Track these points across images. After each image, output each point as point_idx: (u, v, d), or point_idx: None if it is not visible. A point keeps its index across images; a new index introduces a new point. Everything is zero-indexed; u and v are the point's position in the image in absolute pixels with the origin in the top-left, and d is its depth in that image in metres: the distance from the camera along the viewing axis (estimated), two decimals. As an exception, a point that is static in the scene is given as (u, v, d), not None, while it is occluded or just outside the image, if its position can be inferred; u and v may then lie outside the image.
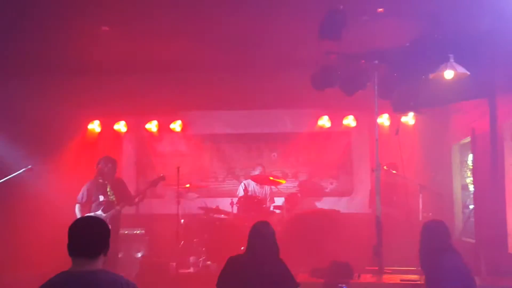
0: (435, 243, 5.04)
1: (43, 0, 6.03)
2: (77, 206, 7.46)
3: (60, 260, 7.57)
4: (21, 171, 7.19)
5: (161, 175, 7.83)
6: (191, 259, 8.01)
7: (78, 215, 7.38)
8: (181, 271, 7.68)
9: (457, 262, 4.92)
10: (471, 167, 8.11)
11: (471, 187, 8.18)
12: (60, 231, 7.91)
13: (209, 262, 7.90)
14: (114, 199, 7.44)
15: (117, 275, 3.04)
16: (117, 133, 9.75)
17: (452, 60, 5.30)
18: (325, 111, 9.35)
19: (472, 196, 8.10)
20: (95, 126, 9.61)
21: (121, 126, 9.68)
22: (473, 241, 7.43)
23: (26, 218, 8.14)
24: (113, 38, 7.29)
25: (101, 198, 7.44)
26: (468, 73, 5.44)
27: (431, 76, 5.54)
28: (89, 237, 3.04)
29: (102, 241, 3.06)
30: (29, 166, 7.27)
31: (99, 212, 7.34)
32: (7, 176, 7.15)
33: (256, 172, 9.04)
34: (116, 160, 7.78)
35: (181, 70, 8.39)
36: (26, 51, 7.61)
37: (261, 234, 4.63)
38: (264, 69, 8.20)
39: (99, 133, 9.67)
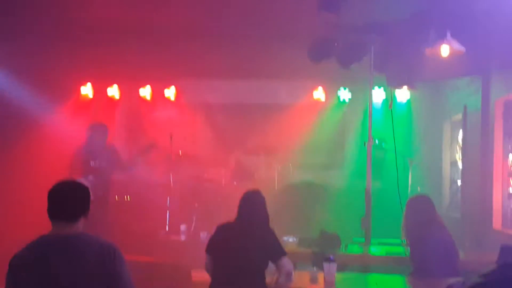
0: (420, 217, 5.12)
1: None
2: (70, 172, 7.48)
3: (45, 221, 7.66)
4: None
5: (153, 142, 7.82)
6: (182, 226, 8.08)
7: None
8: (172, 238, 7.76)
9: (442, 235, 5.01)
10: (461, 143, 8.17)
11: (460, 164, 8.26)
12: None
13: (200, 230, 7.97)
14: (104, 165, 7.46)
15: (99, 238, 3.05)
16: (110, 98, 9.70)
17: (448, 36, 5.31)
18: (320, 83, 9.35)
19: (460, 172, 8.19)
20: (88, 89, 9.53)
21: (114, 91, 9.62)
22: (459, 216, 7.54)
23: (16, 182, 8.16)
24: (106, 0, 7.23)
25: (92, 163, 7.44)
26: (464, 49, 5.46)
27: (427, 51, 5.55)
28: (68, 200, 3.04)
29: (81, 204, 3.07)
30: None
31: (90, 178, 7.35)
32: None
33: (249, 143, 9.07)
34: (107, 125, 7.75)
35: (178, 37, 8.33)
36: (17, 12, 7.50)
37: (251, 202, 4.68)
38: (261, 39, 8.15)
39: (92, 97, 9.60)
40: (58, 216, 3.00)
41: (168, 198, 8.26)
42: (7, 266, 2.94)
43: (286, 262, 4.50)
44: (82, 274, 2.90)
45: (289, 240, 6.20)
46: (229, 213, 4.79)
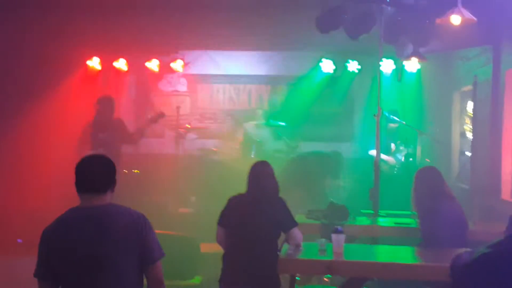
0: (429, 189, 5.13)
1: None
2: (78, 145, 7.53)
3: (57, 193, 7.72)
4: None
5: (161, 112, 7.84)
6: (192, 199, 8.11)
7: (80, 153, 7.46)
8: (181, 210, 7.79)
9: (452, 206, 5.02)
10: (471, 114, 8.13)
11: (469, 135, 8.23)
12: (58, 168, 8.04)
13: (208, 202, 8.01)
14: (112, 136, 7.50)
15: (127, 208, 3.12)
16: (118, 71, 9.68)
17: (459, 5, 5.23)
18: (328, 54, 9.28)
19: (469, 143, 8.17)
20: (95, 63, 9.51)
21: (121, 64, 9.59)
22: (468, 187, 7.54)
23: (25, 153, 8.19)
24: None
25: (101, 136, 7.49)
26: (475, 19, 5.38)
27: (438, 21, 5.48)
28: (97, 173, 3.10)
29: (109, 177, 3.14)
30: None
31: (100, 150, 7.40)
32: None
33: (257, 117, 9.05)
34: (114, 99, 7.77)
35: (184, 9, 8.24)
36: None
37: (261, 173, 4.71)
38: (268, 10, 8.06)
39: (99, 70, 9.58)
40: (88, 189, 3.05)
41: (176, 171, 8.28)
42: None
43: (296, 232, 4.55)
44: (115, 241, 2.96)
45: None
46: (238, 185, 4.82)
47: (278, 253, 4.48)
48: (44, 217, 7.53)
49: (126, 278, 2.98)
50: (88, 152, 7.50)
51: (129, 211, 3.10)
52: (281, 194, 4.73)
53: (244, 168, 4.83)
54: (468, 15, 5.38)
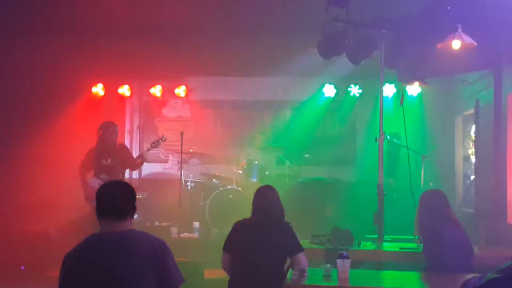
0: (433, 213, 5.09)
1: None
2: (80, 171, 7.54)
3: (60, 219, 7.66)
4: None
5: (162, 136, 7.86)
6: (195, 224, 8.09)
7: (83, 180, 7.47)
8: (184, 235, 7.76)
9: (456, 231, 4.98)
10: (474, 138, 8.13)
11: (473, 158, 8.21)
12: (62, 194, 7.99)
13: (213, 228, 7.97)
14: (116, 163, 7.51)
15: (149, 234, 3.13)
16: (121, 97, 9.73)
17: (459, 30, 5.27)
18: (330, 79, 9.33)
19: (473, 167, 8.14)
20: (98, 89, 9.57)
21: (125, 90, 9.65)
22: (473, 211, 7.50)
23: (28, 179, 8.18)
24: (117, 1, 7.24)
25: (104, 162, 7.51)
26: (475, 43, 5.41)
27: (438, 45, 5.51)
28: (119, 199, 3.11)
29: (131, 203, 3.14)
30: None
31: (103, 176, 7.41)
32: None
33: (259, 141, 9.06)
34: (116, 124, 7.79)
35: (187, 35, 8.32)
36: (31, 10, 7.53)
37: (266, 197, 4.69)
38: (271, 35, 8.13)
39: (103, 97, 9.63)
40: (110, 215, 3.07)
41: (180, 196, 8.26)
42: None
43: (302, 258, 4.53)
44: (137, 268, 2.96)
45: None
46: (242, 210, 4.79)
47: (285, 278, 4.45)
48: (47, 243, 7.54)
49: None
50: (91, 177, 7.53)
51: (150, 237, 3.11)
52: (286, 219, 4.72)
53: (248, 193, 4.83)
54: (468, 39, 5.41)
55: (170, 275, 3.06)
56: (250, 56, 8.59)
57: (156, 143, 7.75)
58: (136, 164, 7.83)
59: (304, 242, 5.65)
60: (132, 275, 2.94)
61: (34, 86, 8.46)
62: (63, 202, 7.84)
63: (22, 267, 7.03)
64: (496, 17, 5.81)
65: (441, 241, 4.91)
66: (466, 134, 8.75)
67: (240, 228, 4.63)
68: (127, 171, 8.08)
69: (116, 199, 3.10)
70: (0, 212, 7.52)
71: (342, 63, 6.95)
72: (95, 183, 7.41)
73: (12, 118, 8.24)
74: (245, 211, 4.73)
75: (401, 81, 7.65)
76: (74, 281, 2.95)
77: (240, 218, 4.73)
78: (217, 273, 4.75)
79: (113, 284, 2.92)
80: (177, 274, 3.10)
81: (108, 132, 7.63)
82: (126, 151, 7.83)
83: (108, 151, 7.57)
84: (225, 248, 4.60)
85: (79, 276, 2.94)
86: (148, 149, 7.78)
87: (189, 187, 8.57)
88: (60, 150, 8.35)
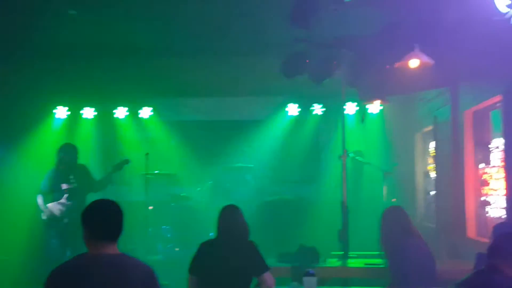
0: (395, 228, 5.12)
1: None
2: (39, 196, 7.34)
3: (19, 246, 7.46)
4: None
5: (126, 158, 7.75)
6: (159, 245, 7.99)
7: (41, 205, 7.27)
8: (149, 257, 7.65)
9: (419, 245, 5.01)
10: (433, 154, 8.24)
11: (433, 174, 8.33)
12: (19, 221, 7.80)
13: (177, 249, 7.88)
14: (77, 186, 7.34)
15: (137, 260, 3.03)
16: (85, 120, 9.60)
17: (417, 49, 5.35)
18: (293, 98, 9.38)
19: (433, 182, 8.25)
20: (61, 112, 9.42)
21: (89, 113, 9.53)
22: (434, 225, 7.58)
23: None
24: (81, 22, 7.16)
25: (64, 186, 7.33)
26: (432, 62, 5.50)
27: (396, 64, 5.58)
28: (110, 221, 3.00)
29: (121, 225, 3.02)
30: None
31: (63, 201, 7.22)
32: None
33: (223, 159, 9.03)
34: (76, 146, 7.64)
35: (150, 56, 8.31)
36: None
37: (230, 217, 4.65)
38: (234, 55, 8.17)
39: (66, 120, 9.49)
40: (104, 238, 2.95)
41: (145, 217, 8.16)
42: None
43: (268, 277, 4.49)
44: None
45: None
46: (207, 230, 4.76)
47: None
48: (8, 270, 7.32)
49: None
50: (52, 202, 7.34)
51: (139, 263, 3.01)
52: (251, 238, 4.68)
53: (214, 213, 4.78)
54: (425, 58, 5.50)
55: None
56: (214, 77, 8.60)
57: (119, 165, 7.64)
58: (99, 187, 7.66)
59: (271, 261, 5.63)
60: None
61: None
62: (20, 229, 7.66)
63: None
64: (452, 36, 5.93)
65: (405, 255, 4.93)
66: (425, 150, 8.88)
67: (205, 249, 4.58)
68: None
69: (112, 220, 3.00)
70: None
71: (306, 82, 7.00)
72: (55, 208, 7.22)
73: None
74: (211, 231, 4.69)
75: (362, 99, 7.74)
76: None
77: (202, 240, 4.69)
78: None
79: None
80: None
81: (68, 154, 7.48)
82: (87, 173, 7.66)
83: (67, 173, 7.41)
84: (191, 271, 4.53)
85: None
86: (111, 172, 7.64)
87: (154, 209, 8.46)
88: (21, 173, 8.18)
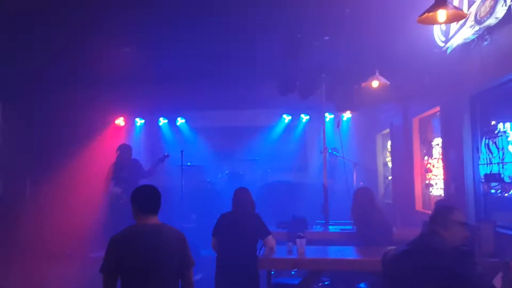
0: (364, 204, 5.08)
1: (84, 28, 5.86)
2: (105, 181, 7.37)
3: (93, 215, 7.45)
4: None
5: (166, 153, 7.76)
6: (192, 216, 7.97)
7: (108, 188, 7.29)
8: (185, 225, 7.63)
9: (380, 216, 4.97)
10: (390, 150, 8.19)
11: (390, 164, 8.27)
12: (91, 198, 7.80)
13: (205, 219, 7.84)
14: (131, 174, 7.35)
15: (172, 226, 3.06)
16: (138, 127, 9.61)
17: (377, 73, 5.31)
18: (287, 110, 9.35)
19: (390, 170, 8.20)
20: (120, 121, 9.44)
21: (140, 122, 9.54)
22: (391, 202, 7.53)
23: (72, 187, 7.95)
24: (133, 56, 7.15)
25: (122, 174, 7.33)
26: (389, 83, 5.46)
27: (362, 84, 5.54)
28: (156, 199, 3.02)
29: (159, 202, 3.05)
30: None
31: (122, 185, 7.20)
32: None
33: (237, 154, 9.02)
34: (130, 146, 7.66)
35: (182, 80, 8.28)
36: (72, 65, 7.37)
37: (241, 196, 4.64)
38: (244, 79, 8.13)
39: (123, 126, 9.50)
40: (149, 211, 2.98)
41: (182, 197, 8.13)
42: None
43: (270, 239, 4.47)
44: (168, 251, 2.93)
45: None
46: (226, 205, 4.74)
47: (257, 255, 4.38)
48: (86, 234, 7.31)
49: (170, 277, 2.93)
50: (114, 185, 7.33)
51: (174, 229, 3.05)
52: (257, 211, 4.66)
53: (230, 193, 4.77)
54: (383, 80, 5.45)
55: (188, 258, 3.00)
56: (230, 95, 8.59)
57: (162, 159, 7.64)
58: (146, 176, 7.65)
59: (272, 228, 5.60)
60: (165, 255, 2.89)
61: (73, 119, 8.29)
62: (96, 205, 7.64)
63: (68, 252, 6.82)
64: (403, 63, 5.88)
65: (369, 223, 4.89)
66: (384, 147, 8.82)
67: (223, 219, 4.57)
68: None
69: (154, 199, 3.02)
70: (52, 213, 7.30)
71: (295, 98, 6.97)
72: (117, 190, 7.24)
73: (56, 143, 8.02)
74: (228, 206, 4.67)
75: (338, 110, 7.70)
76: (118, 258, 2.85)
77: (224, 212, 4.66)
78: (210, 252, 4.66)
79: (149, 260, 2.85)
80: (191, 257, 3.05)
81: (124, 151, 7.48)
82: (139, 165, 7.66)
83: (125, 165, 7.40)
84: (213, 234, 4.53)
85: (123, 255, 2.85)
86: (156, 164, 7.64)
87: (187, 190, 8.42)
88: (92, 166, 8.16)
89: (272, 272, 4.78)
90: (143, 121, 9.55)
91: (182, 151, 8.22)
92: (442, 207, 3.01)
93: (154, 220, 2.97)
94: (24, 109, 7.49)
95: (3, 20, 5.35)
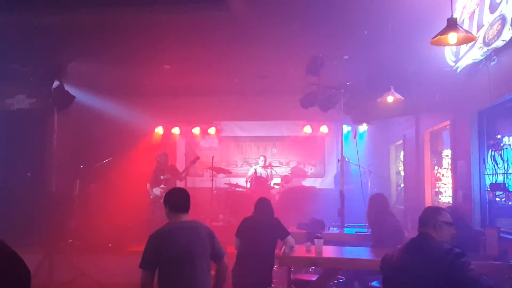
0: (378, 208, 5.03)
1: (133, 47, 6.07)
2: (148, 185, 7.56)
3: (134, 214, 7.59)
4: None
5: (196, 156, 7.90)
6: (220, 216, 8.03)
7: (150, 190, 7.47)
8: (214, 223, 7.70)
9: (393, 220, 4.92)
10: (402, 160, 8.08)
11: (402, 173, 8.15)
12: (136, 197, 7.93)
13: (231, 219, 7.91)
14: (169, 177, 7.53)
15: (203, 223, 3.13)
16: (174, 135, 9.77)
17: (392, 89, 5.28)
18: (308, 122, 9.35)
19: (402, 178, 8.08)
20: (159, 130, 9.63)
21: (176, 130, 9.70)
22: (403, 207, 7.41)
23: (116, 188, 8.15)
24: (172, 72, 7.34)
25: (162, 177, 7.51)
26: (402, 98, 5.42)
27: (378, 100, 5.52)
28: (186, 199, 3.09)
29: (189, 201, 3.12)
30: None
31: (162, 186, 7.39)
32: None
33: (261, 161, 9.05)
34: (168, 153, 7.88)
35: (215, 94, 8.43)
36: (119, 78, 7.62)
37: (262, 204, 4.65)
38: (269, 95, 8.22)
39: (162, 135, 9.68)
40: (181, 210, 3.05)
41: (211, 198, 8.21)
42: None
43: (290, 239, 4.47)
44: (202, 244, 2.97)
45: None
46: (250, 208, 4.77)
47: (275, 253, 4.38)
48: (126, 230, 7.46)
49: (203, 268, 2.98)
50: (155, 187, 7.51)
51: (203, 225, 3.12)
52: (279, 214, 4.68)
53: (254, 197, 4.79)
54: (398, 95, 5.41)
55: (219, 249, 3.07)
56: (257, 108, 8.68)
57: (193, 160, 7.82)
58: (182, 177, 7.81)
59: (292, 228, 5.61)
60: (197, 247, 2.96)
61: (117, 127, 8.52)
62: (136, 204, 7.82)
63: (110, 245, 6.98)
64: (416, 81, 5.84)
65: (383, 226, 4.84)
66: (397, 157, 8.71)
67: (246, 222, 4.59)
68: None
69: (184, 199, 3.08)
70: (97, 211, 7.51)
71: (316, 111, 6.98)
72: (158, 191, 7.41)
73: (102, 148, 8.26)
74: (252, 209, 4.70)
75: (355, 123, 7.66)
76: (156, 254, 2.91)
77: (247, 214, 4.69)
78: (232, 249, 4.70)
79: (185, 254, 2.91)
80: (222, 249, 3.11)
81: (163, 158, 7.69)
82: (176, 169, 7.85)
83: (164, 170, 7.59)
84: (236, 235, 4.55)
85: (160, 251, 2.91)
86: (189, 165, 7.83)
87: (217, 193, 8.51)
88: (136, 170, 8.35)
89: (292, 269, 4.80)
90: (179, 129, 9.69)
91: (213, 157, 8.33)
92: (430, 209, 2.95)
93: (186, 217, 3.05)
94: (75, 117, 7.75)
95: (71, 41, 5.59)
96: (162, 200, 3.22)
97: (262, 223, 4.48)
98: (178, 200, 3.06)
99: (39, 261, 6.34)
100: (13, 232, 6.26)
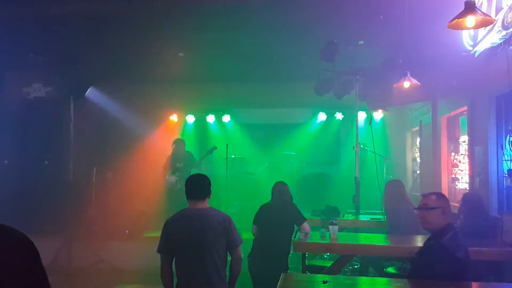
0: (394, 195, 5.06)
1: (147, 35, 6.11)
2: (163, 171, 7.64)
3: (149, 201, 7.71)
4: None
5: (214, 146, 7.92)
6: (236, 203, 8.11)
7: (165, 177, 7.55)
8: (229, 210, 7.78)
9: (409, 207, 4.94)
10: (418, 146, 8.03)
11: (418, 159, 8.11)
12: (152, 185, 8.05)
13: (246, 205, 7.98)
14: (185, 165, 7.60)
15: (220, 211, 3.13)
16: (189, 122, 9.84)
17: (408, 75, 5.24)
18: (323, 108, 9.32)
19: (418, 165, 8.04)
20: (174, 117, 9.70)
21: (191, 118, 9.77)
22: (419, 194, 7.38)
23: (132, 176, 8.28)
24: (187, 60, 7.38)
25: (177, 165, 7.58)
26: (419, 83, 5.38)
27: (394, 85, 5.49)
28: (202, 187, 3.11)
29: (208, 189, 3.13)
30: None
31: (177, 174, 7.47)
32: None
33: (277, 149, 9.08)
34: (184, 140, 7.90)
35: (229, 81, 8.44)
36: (133, 67, 7.69)
37: (280, 189, 4.70)
38: (285, 81, 8.20)
39: (176, 122, 9.76)
40: (195, 197, 3.07)
41: (226, 184, 8.29)
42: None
43: (305, 225, 4.52)
44: (215, 231, 2.98)
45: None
46: (265, 194, 4.82)
47: (292, 239, 4.44)
48: (142, 216, 7.62)
49: (218, 255, 2.99)
50: (170, 174, 7.60)
51: (220, 212, 3.11)
52: (294, 200, 4.73)
53: (270, 184, 4.84)
54: (414, 81, 5.37)
55: (234, 237, 3.06)
56: (271, 95, 8.66)
57: (210, 150, 7.82)
58: (197, 166, 7.86)
59: (307, 215, 5.67)
60: (212, 236, 2.97)
61: (133, 116, 8.62)
62: (152, 191, 7.95)
63: (127, 232, 7.16)
64: (433, 66, 5.78)
65: (398, 213, 4.87)
66: (413, 143, 8.65)
67: (263, 209, 4.65)
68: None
69: (201, 187, 3.10)
70: (114, 198, 7.67)
71: (331, 97, 6.96)
72: (172, 178, 7.50)
73: (118, 136, 8.39)
74: (268, 196, 4.75)
75: (370, 109, 7.62)
76: (172, 239, 2.98)
77: (262, 201, 4.75)
78: (250, 235, 4.77)
79: (199, 241, 2.95)
80: (238, 237, 3.10)
81: (178, 145, 7.72)
82: (191, 157, 7.89)
83: (179, 157, 7.65)
84: (254, 222, 4.61)
85: (176, 236, 2.98)
86: (205, 155, 7.83)
87: (232, 180, 8.58)
88: (151, 157, 8.45)
89: (307, 255, 4.88)
90: (193, 117, 9.76)
91: (227, 145, 8.38)
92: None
93: (203, 205, 3.06)
94: (91, 107, 7.88)
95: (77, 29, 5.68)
96: (180, 186, 3.29)
97: (280, 211, 4.54)
98: (193, 187, 3.10)
99: (58, 248, 6.54)
100: (32, 219, 6.47)
